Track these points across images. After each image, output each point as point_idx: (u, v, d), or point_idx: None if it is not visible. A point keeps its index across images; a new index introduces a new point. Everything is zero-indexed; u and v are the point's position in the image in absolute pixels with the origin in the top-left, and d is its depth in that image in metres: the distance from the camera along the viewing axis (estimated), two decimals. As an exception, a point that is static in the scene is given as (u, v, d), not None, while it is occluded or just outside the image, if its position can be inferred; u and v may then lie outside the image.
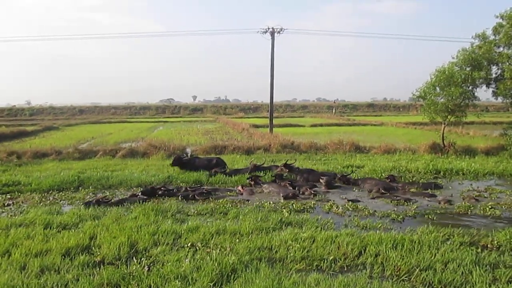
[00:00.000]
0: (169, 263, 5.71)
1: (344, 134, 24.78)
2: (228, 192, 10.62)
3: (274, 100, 28.38)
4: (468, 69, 17.32)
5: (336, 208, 8.97)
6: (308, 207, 9.06)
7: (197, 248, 6.37)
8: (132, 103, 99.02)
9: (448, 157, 16.44)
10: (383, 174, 12.73)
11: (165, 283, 5.17)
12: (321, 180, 11.36)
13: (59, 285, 5.18)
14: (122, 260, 5.94)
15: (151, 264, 5.78)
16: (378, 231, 7.07)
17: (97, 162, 16.08)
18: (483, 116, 21.87)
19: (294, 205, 9.19)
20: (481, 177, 12.73)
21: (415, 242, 6.44)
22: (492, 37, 17.87)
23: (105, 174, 12.59)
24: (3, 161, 16.26)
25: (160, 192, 10.28)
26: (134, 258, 6.01)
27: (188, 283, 5.17)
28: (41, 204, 9.62)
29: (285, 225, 7.53)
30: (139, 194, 10.12)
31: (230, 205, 9.19)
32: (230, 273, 5.41)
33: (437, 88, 17.68)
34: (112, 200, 9.60)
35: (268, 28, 26.18)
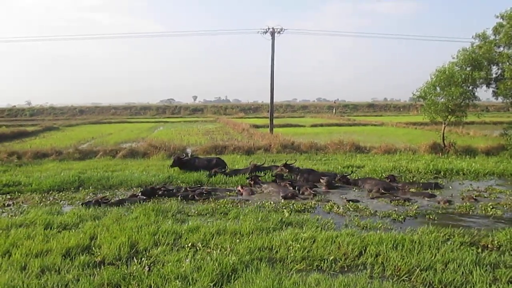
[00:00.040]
0: (170, 263, 5.71)
1: (344, 134, 24.78)
2: (228, 192, 10.62)
3: (274, 100, 28.38)
4: (468, 69, 17.33)
5: (337, 208, 8.98)
6: (308, 207, 9.06)
7: (198, 248, 6.37)
8: (133, 103, 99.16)
9: (448, 157, 16.44)
10: (383, 174, 12.72)
11: (166, 283, 5.17)
12: (321, 180, 11.37)
13: (60, 285, 5.18)
14: (123, 260, 5.94)
15: (152, 264, 5.78)
16: (378, 231, 7.07)
17: (97, 162, 16.08)
18: (484, 116, 21.86)
19: (294, 205, 9.20)
20: (481, 177, 12.73)
21: (415, 242, 6.44)
22: (492, 37, 17.87)
23: (105, 174, 12.60)
24: (4, 161, 16.26)
25: (160, 192, 10.28)
26: (134, 258, 6.01)
27: (188, 283, 5.17)
28: (42, 204, 9.62)
29: (285, 225, 7.53)
30: (139, 194, 10.12)
31: (231, 205, 9.19)
32: (230, 273, 5.42)
33: (438, 88, 17.69)
34: (112, 201, 9.60)
35: (269, 28, 26.17)
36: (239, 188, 10.90)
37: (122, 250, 6.19)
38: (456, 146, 17.58)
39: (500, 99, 18.79)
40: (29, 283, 5.16)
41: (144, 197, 9.80)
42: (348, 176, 11.90)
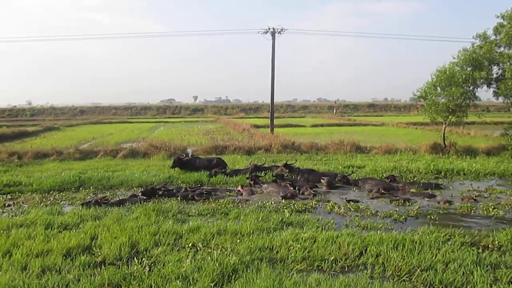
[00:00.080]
0: (170, 264, 5.71)
1: (345, 134, 24.77)
2: (228, 193, 10.62)
3: (274, 100, 28.39)
4: (469, 69, 17.32)
5: (338, 208, 8.97)
6: (309, 207, 9.06)
7: (198, 248, 6.37)
8: (133, 104, 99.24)
9: (449, 157, 16.43)
10: (384, 174, 12.71)
11: (166, 283, 5.17)
12: (322, 181, 11.37)
13: (60, 286, 5.18)
14: (123, 261, 5.94)
15: (152, 265, 5.78)
16: (379, 232, 7.07)
17: (98, 162, 16.10)
18: (484, 116, 21.85)
19: (295, 205, 9.19)
20: (482, 177, 12.72)
21: (416, 242, 6.44)
22: (493, 37, 17.87)
23: (106, 174, 12.60)
24: (4, 161, 16.28)
25: (160, 193, 10.28)
26: (135, 258, 6.01)
27: (189, 283, 5.17)
28: (42, 204, 9.62)
29: (286, 225, 7.53)
30: (139, 194, 10.12)
31: (232, 206, 9.19)
32: (231, 273, 5.42)
33: (438, 88, 17.69)
34: (112, 201, 9.60)
35: (269, 28, 26.18)
36: (239, 188, 10.90)
37: (122, 250, 6.19)
38: (457, 146, 17.57)
39: (500, 99, 18.80)
40: (30, 283, 5.17)
41: (144, 197, 9.80)
42: (348, 176, 11.89)
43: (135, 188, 11.32)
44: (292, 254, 6.04)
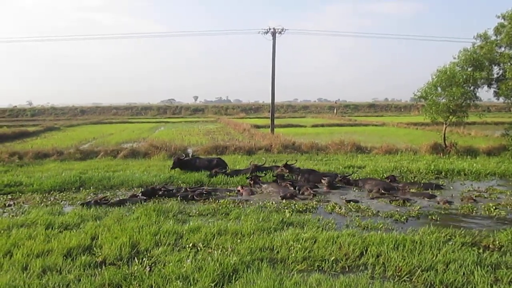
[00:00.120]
0: (171, 264, 5.71)
1: (345, 135, 24.75)
2: (228, 193, 10.62)
3: (275, 101, 28.37)
4: (469, 69, 17.32)
5: (339, 208, 8.97)
6: (310, 208, 9.05)
7: (199, 248, 6.37)
8: (134, 104, 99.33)
9: (449, 158, 16.42)
10: (384, 175, 12.70)
11: (167, 284, 5.17)
12: (323, 181, 11.37)
13: (61, 286, 5.18)
14: (124, 261, 5.94)
15: (153, 265, 5.78)
16: (379, 232, 7.06)
17: (98, 162, 16.10)
18: (485, 117, 21.86)
19: (296, 205, 9.19)
20: (482, 177, 12.71)
21: (416, 242, 6.43)
22: (493, 37, 17.87)
23: (106, 174, 12.60)
24: (5, 161, 16.29)
25: (160, 193, 10.28)
26: (135, 258, 6.01)
27: (189, 283, 5.17)
28: (43, 204, 9.63)
29: (286, 226, 7.53)
30: (139, 194, 10.12)
31: (232, 206, 9.19)
32: (231, 274, 5.41)
33: (439, 88, 17.68)
34: (112, 201, 9.60)
35: (270, 29, 26.16)
36: (239, 188, 10.90)
37: (123, 250, 6.20)
38: (457, 147, 17.56)
39: (501, 99, 18.78)
40: (31, 283, 5.17)
41: (145, 198, 9.80)
42: (349, 177, 11.89)
43: (135, 188, 11.32)
44: (293, 254, 6.03)
